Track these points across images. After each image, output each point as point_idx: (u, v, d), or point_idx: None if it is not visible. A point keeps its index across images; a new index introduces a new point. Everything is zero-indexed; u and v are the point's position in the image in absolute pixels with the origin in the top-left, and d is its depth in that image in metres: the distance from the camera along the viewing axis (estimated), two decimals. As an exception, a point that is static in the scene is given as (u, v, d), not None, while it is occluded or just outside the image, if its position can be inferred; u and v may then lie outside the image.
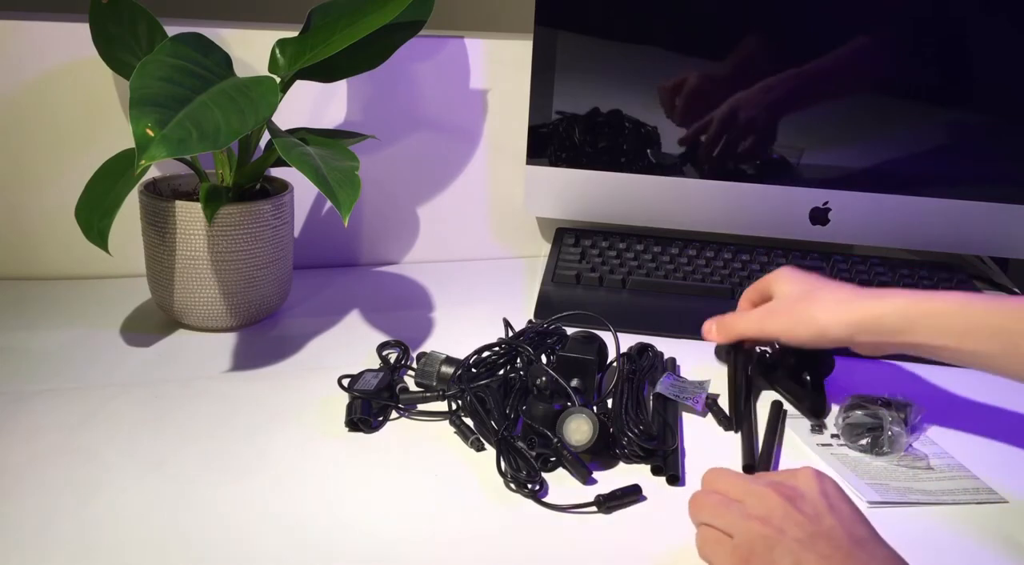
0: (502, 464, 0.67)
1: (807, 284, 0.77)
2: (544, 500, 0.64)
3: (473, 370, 0.76)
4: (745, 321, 0.80)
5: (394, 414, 0.75)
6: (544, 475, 0.67)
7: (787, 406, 0.79)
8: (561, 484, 0.67)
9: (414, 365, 0.79)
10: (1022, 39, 0.99)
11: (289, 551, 0.58)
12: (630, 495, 0.64)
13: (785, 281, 0.79)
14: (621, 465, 0.69)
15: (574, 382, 0.74)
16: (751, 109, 1.03)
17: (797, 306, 0.76)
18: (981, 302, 0.69)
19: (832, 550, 0.52)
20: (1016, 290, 1.10)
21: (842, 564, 0.52)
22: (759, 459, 0.70)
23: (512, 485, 0.65)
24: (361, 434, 0.72)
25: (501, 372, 0.76)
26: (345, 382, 0.77)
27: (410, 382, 0.79)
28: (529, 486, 0.65)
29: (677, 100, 1.03)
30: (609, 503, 0.63)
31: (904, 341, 0.70)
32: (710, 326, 0.83)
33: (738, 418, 0.76)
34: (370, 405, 0.73)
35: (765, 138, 1.04)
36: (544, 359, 0.78)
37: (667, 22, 1.02)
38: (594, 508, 0.63)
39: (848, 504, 0.56)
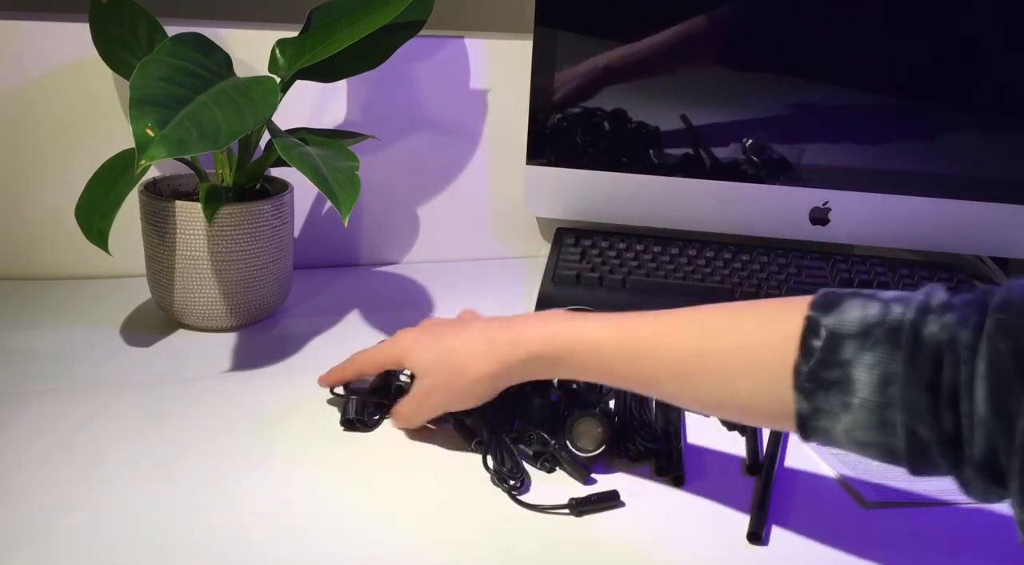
0: (489, 461, 0.67)
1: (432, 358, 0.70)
2: (521, 499, 0.64)
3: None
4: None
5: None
6: (543, 475, 0.67)
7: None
8: (561, 483, 0.67)
9: None
10: (1022, 39, 0.99)
11: (289, 551, 0.58)
12: (606, 501, 0.64)
13: (416, 348, 0.71)
14: (625, 465, 0.69)
15: (575, 384, 0.74)
16: (751, 109, 1.03)
17: (444, 379, 0.69)
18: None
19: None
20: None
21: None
22: (764, 459, 0.70)
23: (495, 480, 0.65)
24: (360, 434, 0.72)
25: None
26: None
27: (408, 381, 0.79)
28: (511, 482, 0.65)
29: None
30: (582, 507, 0.63)
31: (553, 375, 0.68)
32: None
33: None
34: (365, 404, 0.73)
35: (765, 138, 1.04)
36: None
37: (667, 22, 1.02)
38: (567, 510, 0.63)
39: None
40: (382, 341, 0.74)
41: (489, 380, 0.66)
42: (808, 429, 0.53)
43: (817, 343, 0.51)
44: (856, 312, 0.51)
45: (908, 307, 0.50)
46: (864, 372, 0.50)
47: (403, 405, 0.71)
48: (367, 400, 0.73)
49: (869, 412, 0.50)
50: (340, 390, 0.76)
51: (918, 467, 0.50)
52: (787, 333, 0.53)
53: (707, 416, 0.77)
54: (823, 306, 0.53)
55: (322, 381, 0.76)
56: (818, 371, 0.51)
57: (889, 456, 0.51)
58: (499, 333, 0.66)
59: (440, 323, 0.73)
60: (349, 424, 0.72)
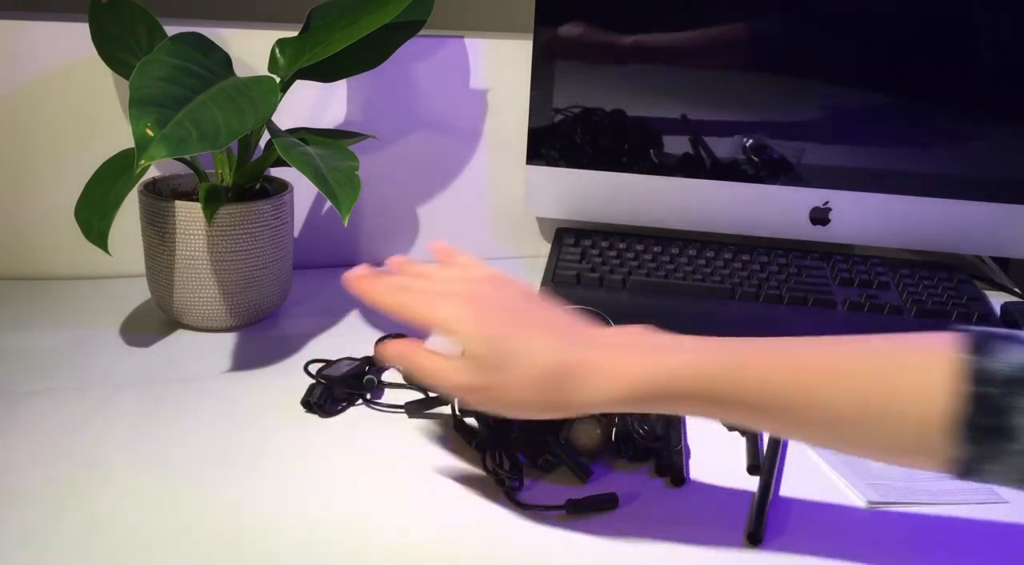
0: (487, 460, 0.67)
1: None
2: (519, 499, 0.64)
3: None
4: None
5: (401, 413, 0.75)
6: (542, 475, 0.67)
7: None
8: (560, 484, 0.67)
9: None
10: (1022, 38, 0.99)
11: (289, 550, 0.58)
12: (603, 503, 0.64)
13: (470, 332, 0.58)
14: (625, 465, 0.69)
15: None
16: (751, 109, 1.03)
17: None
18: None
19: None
20: (1016, 290, 1.10)
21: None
22: (764, 460, 0.70)
23: (493, 480, 0.65)
24: (362, 434, 0.72)
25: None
26: (314, 368, 0.79)
27: (397, 376, 0.80)
28: (509, 482, 0.65)
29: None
30: (579, 508, 0.63)
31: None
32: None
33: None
34: (331, 390, 0.75)
35: (765, 138, 1.04)
36: None
37: (667, 22, 1.02)
38: (564, 511, 0.63)
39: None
40: (436, 272, 0.66)
41: (541, 414, 0.59)
42: (971, 475, 0.51)
43: (975, 389, 0.49)
44: (1013, 356, 0.49)
45: None
46: None
47: (434, 364, 0.59)
48: (333, 388, 0.76)
49: None
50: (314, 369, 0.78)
51: None
52: (937, 379, 0.50)
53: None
54: (974, 349, 0.50)
55: (356, 286, 0.64)
56: (978, 419, 0.49)
57: None
58: (579, 370, 0.55)
59: (504, 299, 0.61)
60: (308, 407, 0.74)
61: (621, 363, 0.55)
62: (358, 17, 0.81)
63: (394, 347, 0.63)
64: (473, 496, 0.65)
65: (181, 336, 0.87)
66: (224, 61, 0.79)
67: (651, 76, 1.03)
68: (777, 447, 0.72)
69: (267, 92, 0.75)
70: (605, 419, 0.68)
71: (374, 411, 0.76)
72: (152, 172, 0.93)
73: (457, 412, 0.73)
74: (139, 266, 0.89)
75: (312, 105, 1.02)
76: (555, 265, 1.02)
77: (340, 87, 1.03)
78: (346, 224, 0.71)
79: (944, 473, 0.52)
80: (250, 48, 0.91)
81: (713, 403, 0.55)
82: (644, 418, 0.72)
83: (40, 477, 0.64)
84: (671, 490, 0.67)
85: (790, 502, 0.66)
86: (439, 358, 0.59)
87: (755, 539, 0.61)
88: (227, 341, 0.86)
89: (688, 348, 0.56)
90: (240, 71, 0.80)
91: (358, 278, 0.64)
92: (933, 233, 1.06)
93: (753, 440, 0.73)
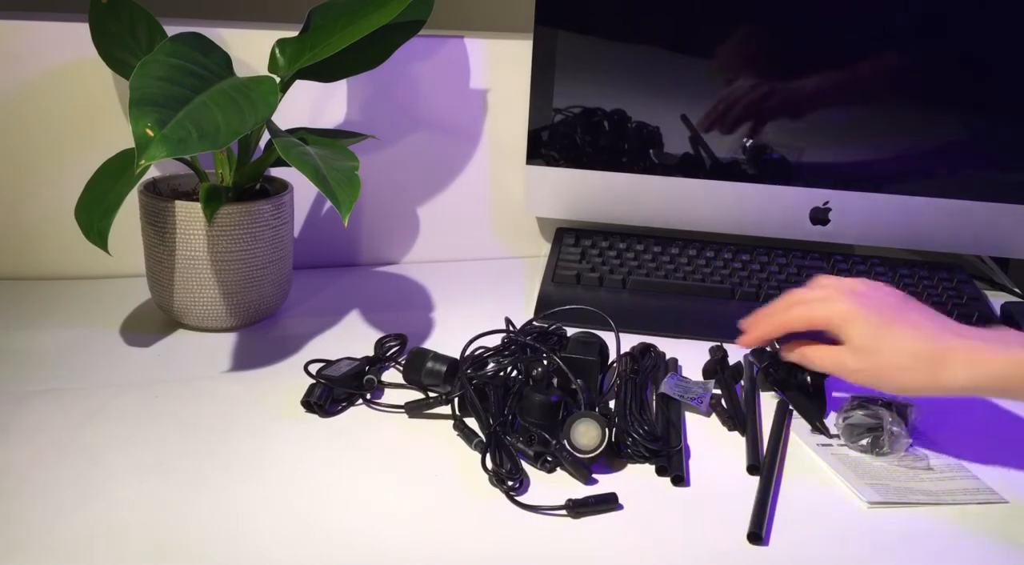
0: (488, 461, 0.67)
1: (878, 334, 0.69)
2: (519, 499, 0.64)
3: (469, 371, 0.76)
4: (823, 363, 0.73)
5: (401, 413, 0.75)
6: (542, 475, 0.67)
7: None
8: (560, 484, 0.67)
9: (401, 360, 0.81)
10: (1022, 38, 0.99)
11: (288, 550, 0.58)
12: (604, 503, 0.64)
13: (852, 326, 0.70)
14: (626, 466, 0.69)
15: (575, 384, 0.74)
16: (751, 109, 1.03)
17: (876, 365, 0.69)
18: None
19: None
20: (1016, 290, 1.10)
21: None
22: (764, 460, 0.70)
23: (493, 480, 0.65)
24: (362, 434, 0.72)
25: (502, 372, 0.76)
26: (314, 368, 0.78)
27: (397, 376, 0.80)
28: (509, 482, 0.65)
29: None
30: (579, 509, 0.63)
31: (1001, 398, 0.71)
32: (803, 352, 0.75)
33: (739, 415, 0.76)
34: (331, 390, 0.75)
35: (765, 138, 1.04)
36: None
37: (667, 22, 1.02)
38: (564, 512, 0.63)
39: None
40: (810, 290, 0.74)
41: (916, 393, 0.68)
42: None
43: None
44: None
45: None
46: None
47: (829, 354, 0.71)
48: (333, 388, 0.75)
49: None
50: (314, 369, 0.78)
51: None
52: None
53: (707, 415, 0.77)
54: None
55: (745, 341, 0.77)
56: None
57: None
58: (947, 355, 0.65)
59: (880, 298, 0.71)
60: (308, 407, 0.74)
61: (985, 352, 0.65)
62: (358, 17, 0.81)
63: (793, 347, 0.75)
64: (473, 496, 0.65)
65: (181, 336, 0.87)
66: (224, 61, 0.79)
67: (651, 76, 1.03)
68: (777, 447, 0.72)
69: (267, 92, 0.75)
70: (605, 419, 0.68)
71: (374, 411, 0.76)
72: (152, 172, 0.93)
73: (457, 412, 0.73)
74: (139, 266, 0.89)
75: (312, 105, 1.02)
76: (555, 265, 1.02)
77: (340, 87, 1.03)
78: (346, 224, 0.71)
79: None
80: (250, 48, 0.91)
81: None
82: (644, 418, 0.72)
83: (40, 477, 0.64)
84: (671, 490, 0.67)
85: (790, 502, 0.66)
86: (832, 349, 0.71)
87: (755, 539, 0.61)
88: (227, 341, 0.86)
89: None
90: (240, 71, 0.80)
91: (746, 337, 0.76)
92: (933, 233, 1.06)
93: (753, 440, 0.73)
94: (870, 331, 0.68)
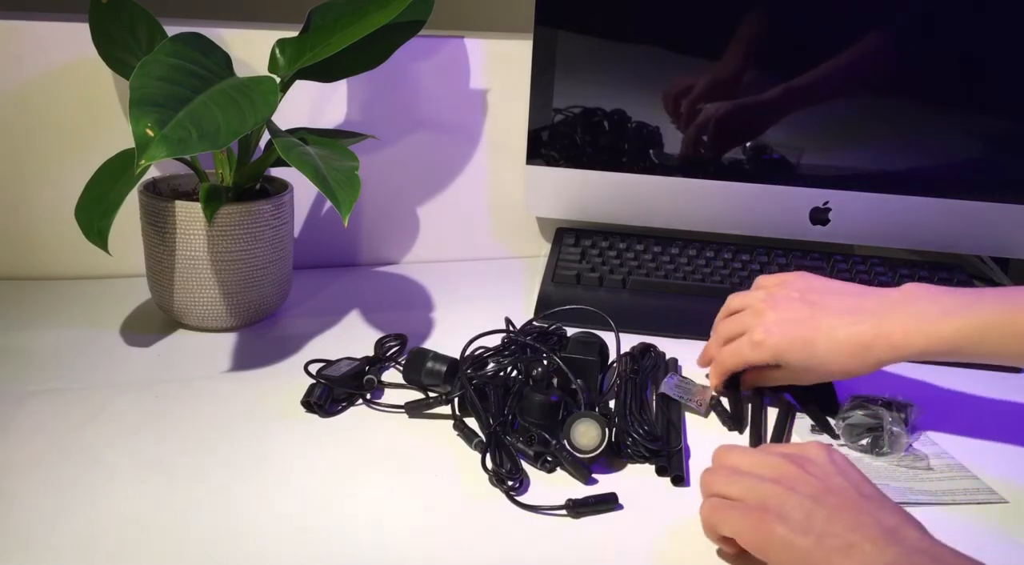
0: (488, 460, 0.67)
1: (808, 350, 0.72)
2: (519, 499, 0.64)
3: (469, 371, 0.76)
4: (776, 380, 0.77)
5: (401, 413, 0.75)
6: (542, 475, 0.67)
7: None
8: (560, 484, 0.67)
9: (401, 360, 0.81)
10: (1021, 38, 0.99)
11: (288, 550, 0.58)
12: (604, 502, 0.64)
13: (778, 342, 0.73)
14: (626, 466, 0.69)
15: (575, 384, 0.74)
16: (751, 109, 1.03)
17: (816, 368, 0.73)
18: None
19: (841, 502, 0.55)
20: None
21: (851, 516, 0.54)
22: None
23: (493, 480, 0.65)
24: (362, 434, 0.72)
25: (502, 373, 0.76)
26: (314, 368, 0.79)
27: (397, 376, 0.80)
28: (509, 482, 0.65)
29: (680, 102, 1.03)
30: (579, 508, 0.63)
31: (967, 358, 0.70)
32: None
33: (738, 415, 0.76)
34: (331, 390, 0.75)
35: (765, 138, 1.04)
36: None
37: (667, 22, 1.02)
38: (564, 512, 0.63)
39: (855, 469, 0.59)
40: (741, 312, 0.77)
41: (848, 376, 0.72)
42: None
43: None
44: None
45: None
46: None
47: (764, 375, 0.76)
48: (333, 388, 0.75)
49: None
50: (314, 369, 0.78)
51: None
52: None
53: (707, 416, 0.77)
54: None
55: (714, 385, 0.79)
56: None
57: None
58: (871, 333, 0.69)
59: (794, 300, 0.74)
60: (308, 407, 0.74)
61: (911, 332, 0.68)
62: (358, 17, 0.81)
63: (749, 382, 0.78)
64: (473, 496, 0.65)
65: (181, 336, 0.87)
66: (224, 61, 0.79)
67: (651, 76, 1.03)
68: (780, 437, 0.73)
69: (267, 92, 0.75)
70: (605, 419, 0.68)
71: (374, 411, 0.76)
72: (152, 172, 0.93)
73: (457, 412, 0.73)
74: (139, 266, 0.89)
75: (312, 105, 1.02)
76: (555, 265, 1.02)
77: (340, 87, 1.03)
78: (346, 224, 0.71)
79: None
80: (250, 48, 0.91)
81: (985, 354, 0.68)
82: (644, 418, 0.72)
83: (40, 477, 0.64)
84: (671, 490, 0.67)
85: (790, 502, 0.66)
86: (775, 369, 0.75)
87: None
88: (227, 341, 0.86)
89: (961, 312, 0.68)
90: (240, 71, 0.80)
91: (712, 382, 0.80)
92: (933, 233, 1.06)
93: (756, 440, 0.73)
94: (799, 346, 0.72)
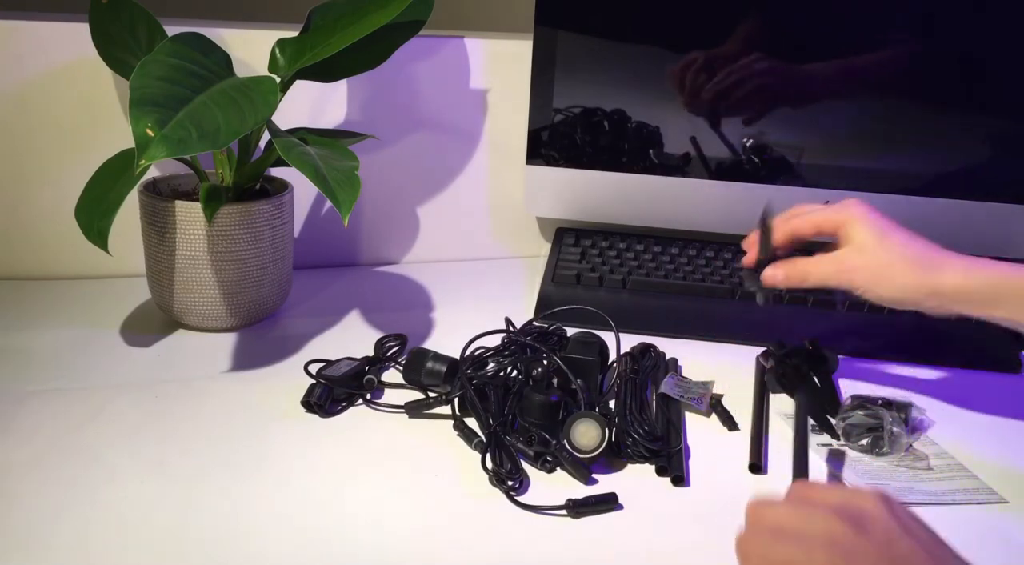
0: (488, 460, 0.67)
1: (882, 235, 0.73)
2: (519, 499, 0.64)
3: (469, 371, 0.76)
4: (822, 269, 0.74)
5: (401, 413, 0.75)
6: (542, 475, 0.67)
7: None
8: (560, 484, 0.67)
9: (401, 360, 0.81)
10: (1022, 38, 0.99)
11: (288, 550, 0.58)
12: (604, 503, 0.64)
13: (858, 226, 0.73)
14: (626, 466, 0.69)
15: (575, 384, 0.74)
16: (751, 110, 1.03)
17: (877, 262, 0.72)
18: None
19: None
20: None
21: None
22: (794, 466, 0.69)
23: (493, 480, 0.66)
24: (362, 434, 0.72)
25: (502, 372, 0.76)
26: (314, 368, 0.79)
27: (397, 376, 0.80)
28: (509, 482, 0.65)
29: (685, 79, 1.02)
30: (579, 508, 0.63)
31: (986, 313, 0.70)
32: (775, 272, 0.76)
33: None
34: (331, 390, 0.75)
35: (766, 138, 1.04)
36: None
37: (667, 22, 1.02)
38: (564, 512, 0.63)
39: (920, 523, 0.50)
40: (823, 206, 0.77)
41: (909, 293, 0.71)
42: None
43: None
44: None
45: None
46: None
47: (815, 264, 0.74)
48: (333, 388, 0.75)
49: None
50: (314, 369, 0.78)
51: None
52: None
53: (708, 415, 0.77)
54: None
55: (749, 260, 0.80)
56: None
57: None
58: (943, 261, 0.71)
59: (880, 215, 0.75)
60: (308, 407, 0.74)
61: (977, 262, 0.71)
62: (358, 17, 0.81)
63: (791, 267, 0.76)
64: (473, 496, 0.65)
65: (181, 336, 0.87)
66: (224, 61, 0.79)
67: (651, 76, 1.03)
68: (802, 448, 0.71)
69: (267, 92, 0.75)
70: (605, 419, 0.68)
71: (374, 411, 0.76)
72: (152, 172, 0.93)
73: (457, 412, 0.73)
74: (139, 266, 0.89)
75: (312, 105, 1.02)
76: (555, 265, 1.02)
77: (340, 87, 1.03)
78: (346, 224, 0.71)
79: None
80: (250, 48, 0.91)
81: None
82: (644, 418, 0.72)
83: (40, 477, 0.64)
84: (671, 490, 0.67)
85: (790, 502, 0.66)
86: (830, 254, 0.74)
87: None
88: (227, 341, 0.86)
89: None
90: (240, 71, 0.80)
91: (749, 256, 0.80)
92: (933, 233, 1.06)
93: (758, 439, 0.73)
94: (873, 232, 0.72)
